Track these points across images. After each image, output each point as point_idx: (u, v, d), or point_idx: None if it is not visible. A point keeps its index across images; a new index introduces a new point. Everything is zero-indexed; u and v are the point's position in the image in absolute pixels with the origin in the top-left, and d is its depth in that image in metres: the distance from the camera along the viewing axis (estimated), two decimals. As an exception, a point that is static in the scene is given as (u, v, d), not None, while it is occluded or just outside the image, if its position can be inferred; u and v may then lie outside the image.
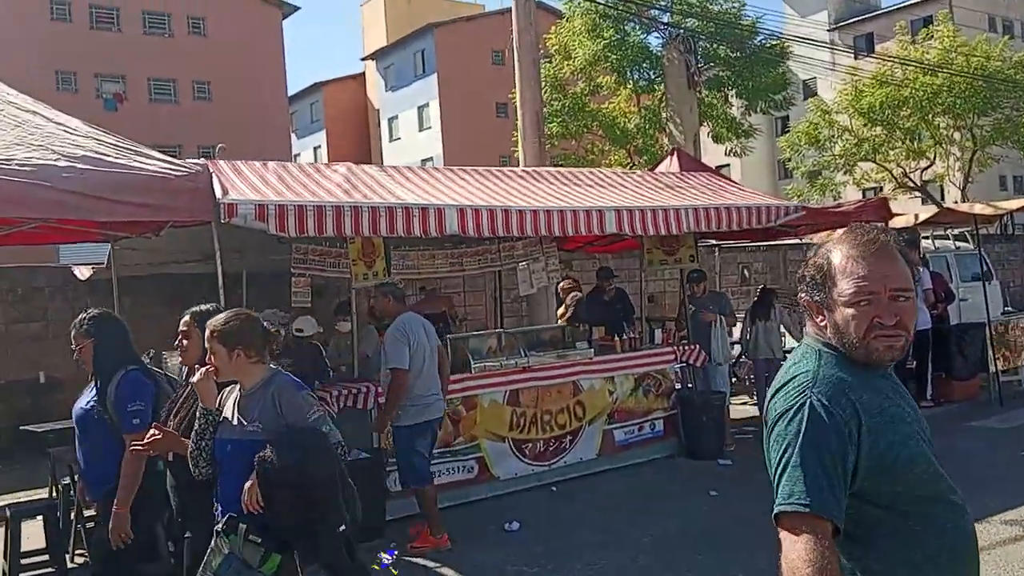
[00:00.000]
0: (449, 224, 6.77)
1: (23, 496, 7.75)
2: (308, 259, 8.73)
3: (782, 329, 10.53)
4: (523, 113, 12.71)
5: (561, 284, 10.55)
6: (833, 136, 26.21)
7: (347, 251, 8.66)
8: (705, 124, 21.71)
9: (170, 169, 6.05)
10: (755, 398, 11.55)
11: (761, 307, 10.41)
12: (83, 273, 9.87)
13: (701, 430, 8.84)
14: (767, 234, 11.75)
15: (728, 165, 51.44)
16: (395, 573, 4.55)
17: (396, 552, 4.79)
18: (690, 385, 9.47)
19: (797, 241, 14.65)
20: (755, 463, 7.98)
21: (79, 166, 5.61)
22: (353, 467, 6.49)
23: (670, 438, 8.98)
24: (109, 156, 5.87)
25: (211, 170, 6.37)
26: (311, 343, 7.21)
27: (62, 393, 9.30)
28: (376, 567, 4.50)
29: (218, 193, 5.93)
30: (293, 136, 58.53)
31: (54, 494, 7.04)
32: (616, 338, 8.90)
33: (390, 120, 52.75)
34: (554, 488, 7.98)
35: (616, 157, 21.26)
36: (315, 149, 55.79)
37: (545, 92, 20.11)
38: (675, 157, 11.02)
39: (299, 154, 53.26)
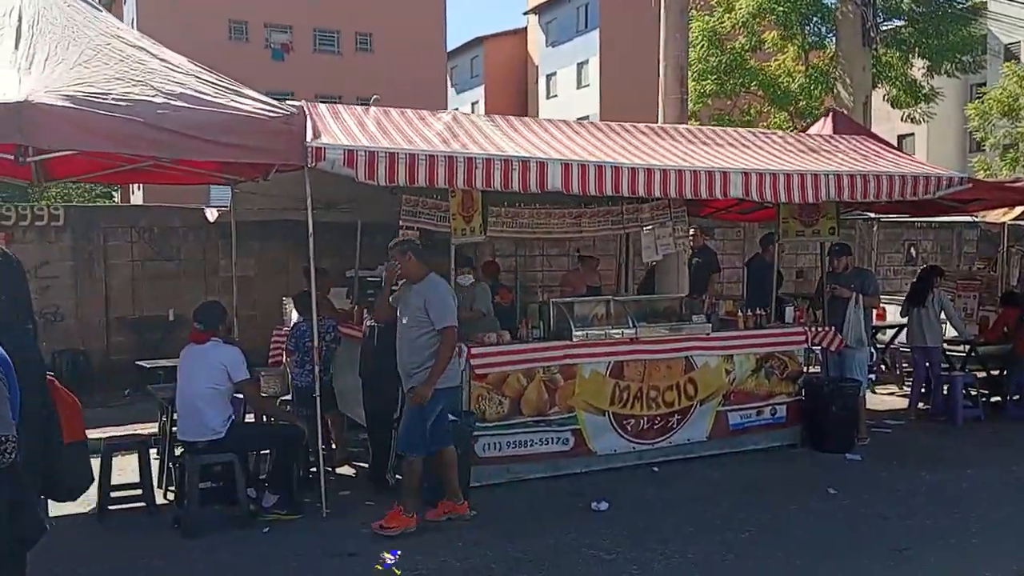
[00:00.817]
0: (551, 179, 6.31)
1: (139, 428, 8.00)
2: (417, 211, 8.45)
3: (943, 316, 9.47)
4: (666, 66, 11.93)
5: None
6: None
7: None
8: (880, 86, 19.96)
9: (265, 110, 5.89)
10: (904, 388, 10.53)
11: (918, 291, 9.38)
12: (212, 215, 10.07)
13: (829, 420, 8.03)
14: (936, 209, 10.61)
15: (911, 135, 47.90)
16: (397, 573, 4.26)
17: (399, 552, 4.48)
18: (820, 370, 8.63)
19: (972, 219, 13.20)
20: (887, 461, 7.26)
21: (175, 103, 5.52)
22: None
23: (793, 426, 8.22)
24: (207, 95, 5.76)
25: (308, 113, 6.19)
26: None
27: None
28: (379, 567, 4.23)
29: (309, 136, 5.72)
30: (452, 91, 59.20)
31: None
32: (740, 313, 8.19)
33: (548, 77, 52.15)
34: (655, 469, 7.46)
35: (776, 119, 19.88)
36: (473, 104, 56.04)
37: (702, 47, 19.05)
38: (829, 119, 10.00)
39: (457, 108, 53.75)
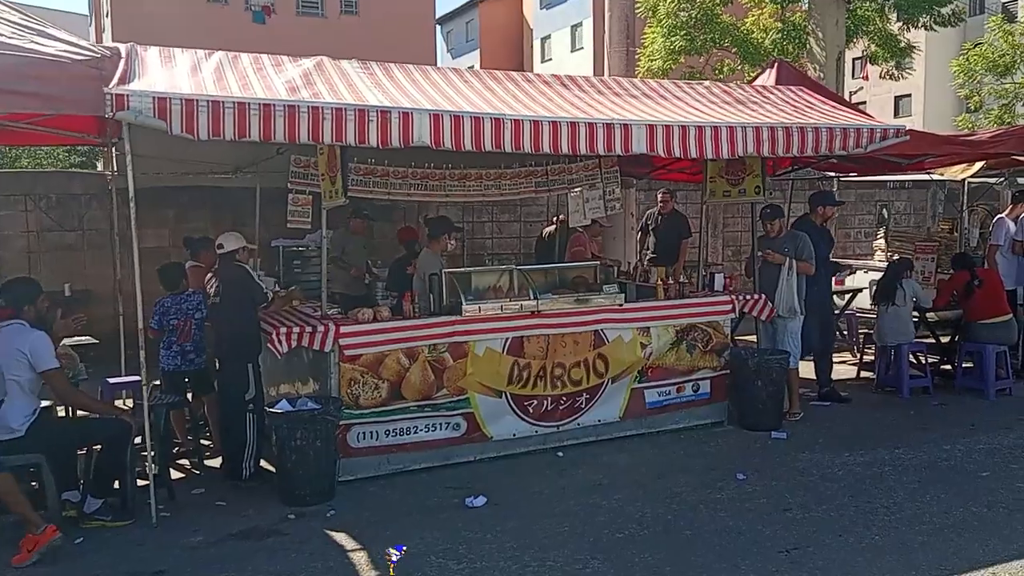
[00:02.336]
0: (418, 133, 5.53)
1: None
2: (308, 173, 7.82)
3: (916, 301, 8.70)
4: (610, 16, 11.16)
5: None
6: (1017, 61, 22.56)
7: (355, 165, 7.72)
8: (857, 41, 18.99)
9: (71, 53, 5.14)
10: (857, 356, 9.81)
11: (886, 286, 8.61)
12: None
13: (754, 395, 7.33)
14: (890, 168, 9.82)
15: (908, 96, 46.73)
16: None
17: (405, 548, 3.85)
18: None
19: (951, 178, 12.36)
20: (814, 440, 6.45)
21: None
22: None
23: (718, 402, 7.53)
24: (2, 36, 5.00)
25: (131, 56, 5.43)
26: (238, 263, 6.23)
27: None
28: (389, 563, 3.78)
29: (114, 82, 4.95)
30: (448, 55, 58.01)
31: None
32: (659, 282, 7.45)
33: (543, 40, 51.11)
34: (560, 454, 6.79)
35: (749, 77, 18.94)
36: (468, 69, 54.98)
37: (672, 2, 18.07)
38: (774, 70, 9.18)
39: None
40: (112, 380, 7.30)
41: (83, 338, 7.65)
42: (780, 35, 17.57)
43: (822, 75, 16.13)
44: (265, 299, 6.13)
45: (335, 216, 10.39)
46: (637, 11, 16.23)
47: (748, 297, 7.61)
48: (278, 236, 11.45)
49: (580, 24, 46.60)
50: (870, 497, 5.70)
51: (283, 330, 5.98)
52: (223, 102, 5.06)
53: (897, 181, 16.27)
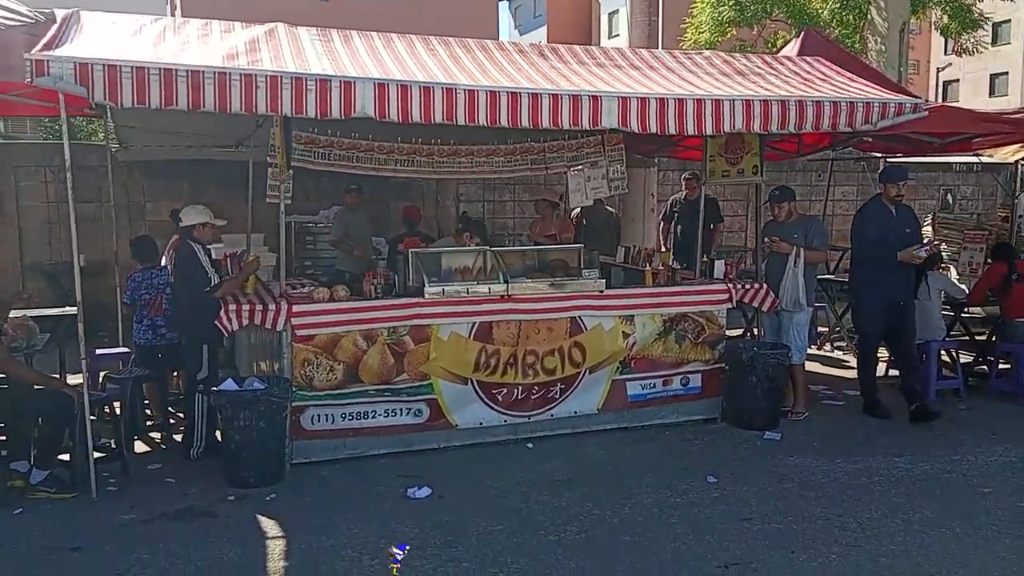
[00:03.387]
0: (361, 103, 5.22)
1: None
2: (291, 146, 7.55)
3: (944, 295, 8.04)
4: (633, -14, 10.61)
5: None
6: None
7: (338, 140, 7.49)
8: (928, 11, 17.89)
9: (6, 19, 4.99)
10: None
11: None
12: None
13: (748, 392, 6.85)
14: (933, 149, 9.07)
15: (1005, 74, 44.12)
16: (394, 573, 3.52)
17: (408, 547, 3.66)
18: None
19: (1000, 160, 11.46)
20: (809, 443, 5.91)
21: None
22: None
23: (711, 398, 7.07)
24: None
25: (69, 21, 5.25)
26: (193, 240, 6.01)
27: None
28: (394, 567, 3.57)
29: (38, 47, 4.77)
30: (516, 32, 57.50)
31: None
32: (648, 268, 7.01)
33: (610, 15, 50.24)
34: (529, 445, 6.46)
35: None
36: (625, 48, 54.49)
37: (721, -30, 17.32)
38: (799, 40, 8.57)
39: (514, 48, 52.09)
40: (100, 351, 7.29)
41: (60, 309, 7.68)
42: (839, 4, 16.62)
43: (883, 47, 15.23)
44: (207, 283, 5.90)
45: (334, 193, 10.29)
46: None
47: (747, 286, 7.10)
48: (291, 212, 11.36)
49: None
50: (845, 510, 5.20)
51: (232, 307, 5.78)
52: (148, 68, 4.83)
53: (964, 164, 15.27)
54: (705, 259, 7.69)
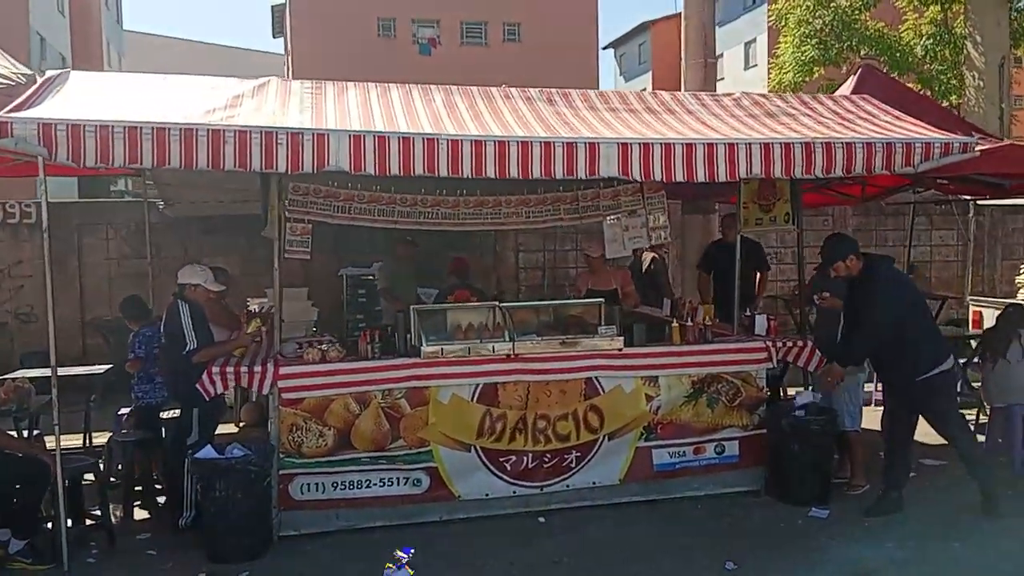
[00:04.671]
0: (335, 156, 4.95)
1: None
2: (308, 201, 7.38)
3: None
4: (687, 25, 10.15)
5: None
6: None
7: (359, 192, 7.28)
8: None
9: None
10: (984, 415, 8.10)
11: (994, 338, 7.08)
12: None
13: (789, 462, 6.14)
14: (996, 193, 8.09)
15: None
16: (411, 572, 3.27)
17: (412, 550, 3.39)
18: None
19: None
20: (858, 523, 4.98)
21: None
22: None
23: (751, 468, 6.37)
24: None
25: (50, 82, 5.22)
26: (186, 300, 5.83)
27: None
28: (390, 566, 3.41)
29: (23, 111, 4.74)
30: (621, 79, 57.43)
31: None
32: (675, 324, 6.43)
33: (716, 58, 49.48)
34: (541, 519, 5.93)
35: (899, 87, 16.99)
36: (642, 92, 54.13)
37: (806, 7, 16.55)
38: (856, 78, 7.90)
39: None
40: (122, 411, 7.23)
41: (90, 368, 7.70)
42: (932, 40, 15.59)
43: (982, 83, 14.18)
44: (184, 345, 5.70)
45: (382, 246, 10.11)
46: (769, 20, 14.93)
47: (790, 343, 6.43)
48: (347, 264, 11.28)
49: (753, 41, 44.80)
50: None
51: (216, 369, 5.55)
52: (112, 126, 4.70)
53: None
54: (748, 312, 7.03)
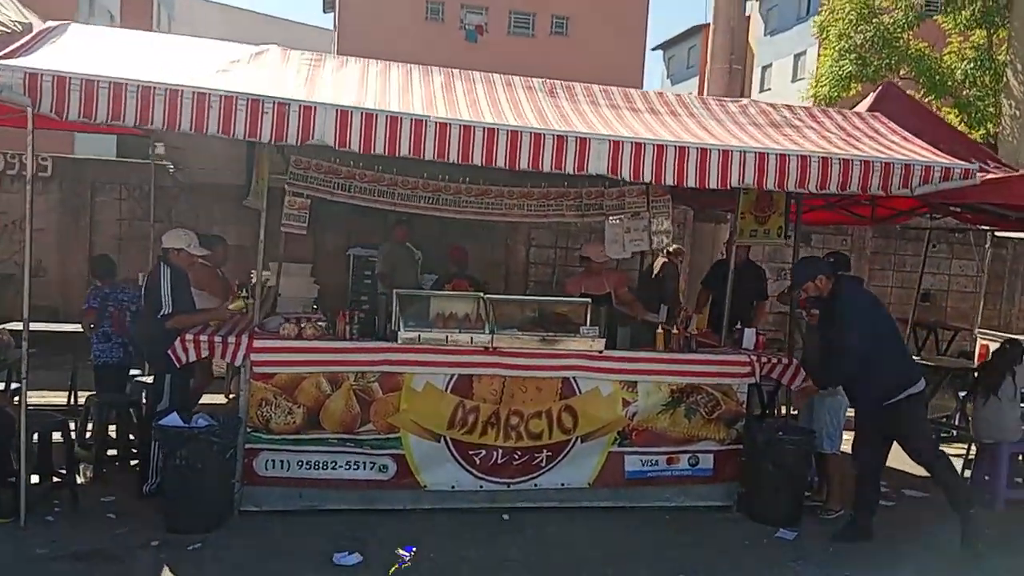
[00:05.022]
0: (320, 130, 4.90)
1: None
2: (309, 176, 7.42)
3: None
4: (714, 29, 9.99)
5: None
6: None
7: (360, 171, 7.26)
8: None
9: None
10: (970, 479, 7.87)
11: (990, 374, 6.89)
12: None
13: (761, 480, 6.02)
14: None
15: None
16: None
17: (415, 548, 3.40)
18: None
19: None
20: (822, 549, 5.16)
21: None
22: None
23: (725, 482, 6.26)
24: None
25: (45, 33, 5.21)
26: (169, 264, 5.82)
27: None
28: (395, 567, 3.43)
29: (18, 59, 4.73)
30: (668, 81, 56.85)
31: None
32: (660, 330, 6.32)
33: (763, 68, 48.85)
34: (506, 517, 5.86)
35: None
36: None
37: (848, 21, 16.24)
38: (875, 95, 7.72)
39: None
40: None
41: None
42: (973, 65, 15.22)
43: (1018, 112, 13.85)
44: (160, 309, 5.69)
45: (381, 229, 10.07)
46: (811, 33, 14.61)
47: (775, 360, 6.29)
48: (356, 244, 11.25)
49: (803, 53, 44.09)
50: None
51: (190, 337, 5.53)
52: (98, 81, 4.67)
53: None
54: (739, 326, 6.90)
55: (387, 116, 4.97)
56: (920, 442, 5.72)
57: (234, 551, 5.01)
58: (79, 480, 5.97)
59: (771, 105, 6.67)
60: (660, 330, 6.31)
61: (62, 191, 10.68)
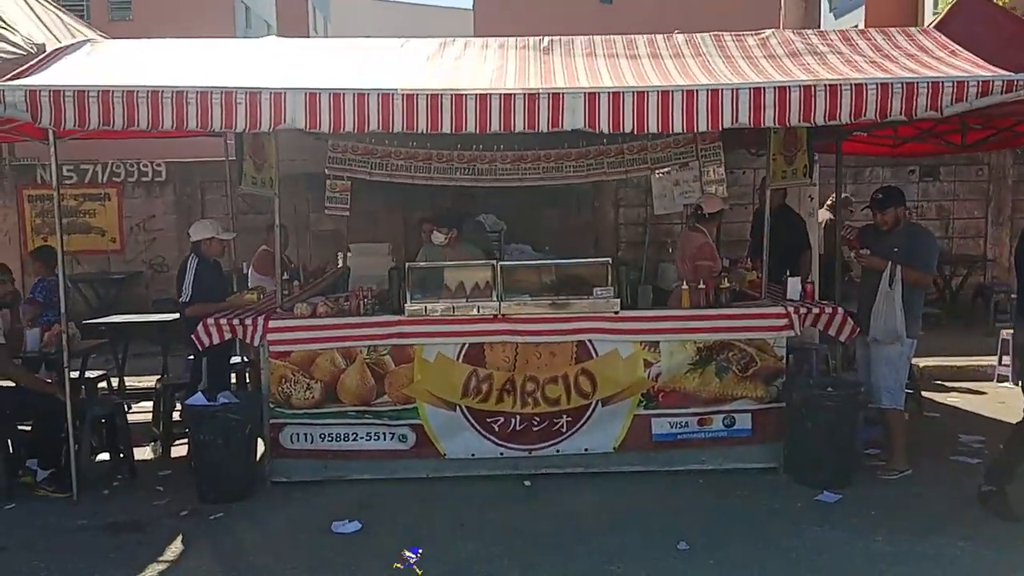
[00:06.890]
0: (291, 115, 5.02)
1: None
2: (347, 159, 7.61)
3: None
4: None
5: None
6: None
7: (396, 149, 7.38)
8: None
9: (5, 53, 5.47)
10: None
11: None
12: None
13: (802, 440, 5.62)
14: None
15: None
16: (419, 573, 3.63)
17: (420, 550, 3.77)
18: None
19: None
20: (869, 508, 5.17)
21: None
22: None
23: (767, 443, 5.90)
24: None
25: (57, 53, 5.62)
26: (199, 256, 6.11)
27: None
28: (398, 566, 3.60)
29: (26, 78, 5.17)
30: (831, 16, 53.41)
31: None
32: (684, 287, 6.01)
33: (934, -11, 44.95)
34: (527, 483, 5.82)
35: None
36: (855, 28, 50.30)
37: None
38: (951, 7, 6.89)
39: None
40: (191, 357, 7.76)
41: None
42: None
43: None
44: (182, 295, 6.01)
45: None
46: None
47: (817, 310, 5.83)
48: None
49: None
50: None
51: (211, 321, 5.84)
52: (88, 91, 5.01)
53: None
54: (788, 275, 6.44)
55: (354, 94, 5.01)
56: None
57: (251, 524, 5.26)
58: (144, 457, 6.49)
59: (798, 33, 6.12)
60: (684, 287, 5.99)
61: (176, 193, 11.50)
